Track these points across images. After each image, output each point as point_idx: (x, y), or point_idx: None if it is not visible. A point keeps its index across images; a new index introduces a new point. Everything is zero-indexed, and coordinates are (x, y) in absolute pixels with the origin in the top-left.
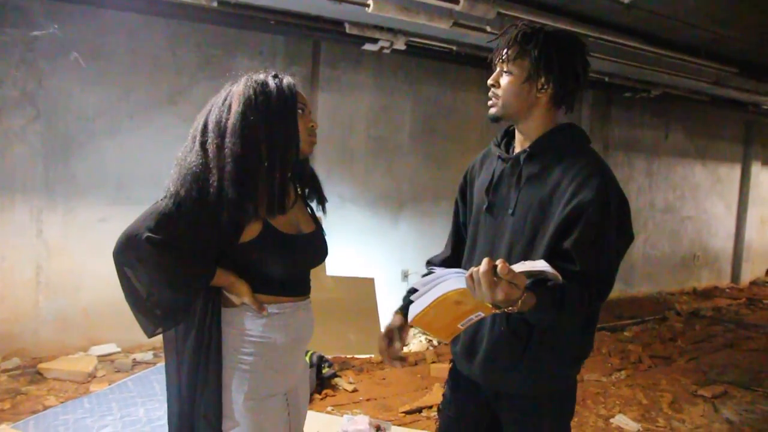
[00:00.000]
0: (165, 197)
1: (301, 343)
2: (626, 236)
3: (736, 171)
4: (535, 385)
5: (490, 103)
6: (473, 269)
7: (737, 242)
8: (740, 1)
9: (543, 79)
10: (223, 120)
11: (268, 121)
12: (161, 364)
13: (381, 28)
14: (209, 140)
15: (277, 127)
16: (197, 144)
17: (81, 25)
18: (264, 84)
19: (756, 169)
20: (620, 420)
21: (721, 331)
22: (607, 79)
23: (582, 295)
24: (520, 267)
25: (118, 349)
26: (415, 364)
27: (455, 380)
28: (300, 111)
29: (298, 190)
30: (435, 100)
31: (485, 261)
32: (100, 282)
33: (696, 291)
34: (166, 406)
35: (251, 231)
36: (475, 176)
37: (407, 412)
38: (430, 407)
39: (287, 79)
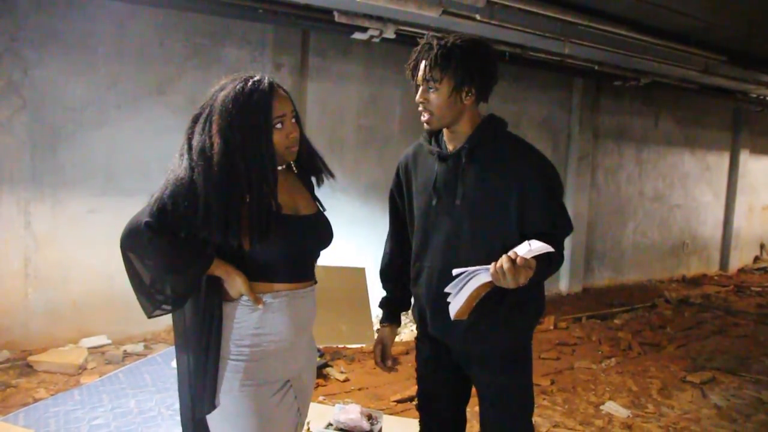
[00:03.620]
0: (153, 199)
1: (301, 331)
2: (563, 191)
3: (724, 159)
4: (509, 340)
5: (424, 119)
6: (495, 264)
7: (726, 230)
8: None
9: (467, 88)
10: (207, 150)
11: (245, 155)
12: (152, 356)
13: (370, 17)
14: (197, 169)
15: (254, 162)
16: (185, 162)
17: (67, 13)
18: (241, 106)
19: (744, 157)
20: (610, 407)
21: (709, 318)
22: (596, 67)
23: (560, 251)
24: (526, 253)
25: (109, 341)
26: (407, 353)
27: (425, 351)
28: (278, 126)
29: (294, 168)
30: None
31: (504, 258)
32: (90, 273)
33: (685, 278)
34: (158, 396)
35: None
36: (411, 173)
37: (399, 401)
38: None
39: (260, 93)
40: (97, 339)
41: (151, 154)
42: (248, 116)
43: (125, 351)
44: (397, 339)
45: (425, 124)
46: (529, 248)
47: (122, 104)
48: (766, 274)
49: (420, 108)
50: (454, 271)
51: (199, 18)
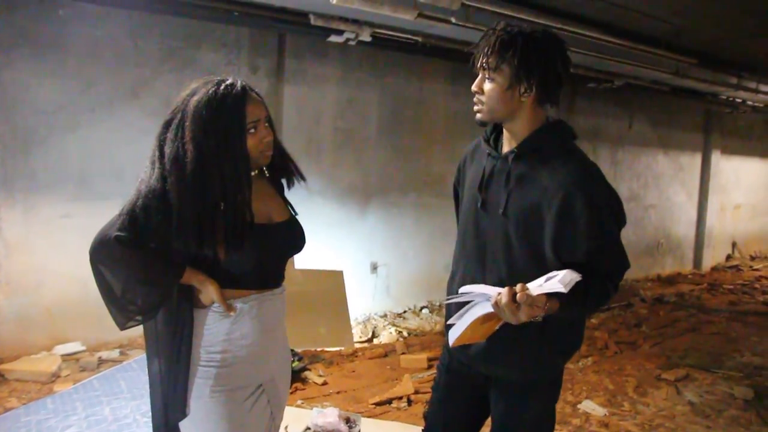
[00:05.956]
0: (124, 211)
1: (271, 334)
2: (621, 223)
3: (696, 159)
4: (529, 372)
5: (476, 108)
6: (497, 298)
7: (699, 229)
8: None
9: (525, 85)
10: (180, 159)
11: (219, 162)
12: (127, 362)
13: (346, 20)
14: (170, 178)
15: (228, 168)
16: (157, 171)
17: (38, 15)
18: (214, 111)
19: (716, 157)
20: (587, 405)
21: (683, 316)
22: (570, 69)
23: (604, 286)
24: (537, 289)
25: (83, 348)
26: (385, 355)
27: (447, 362)
28: (252, 130)
29: (266, 172)
30: (401, 91)
31: (506, 291)
32: (64, 279)
33: (660, 277)
34: (133, 403)
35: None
36: (467, 170)
37: (377, 404)
38: (400, 398)
39: (233, 98)
40: (72, 346)
41: (126, 157)
42: (222, 121)
43: (100, 357)
44: (375, 341)
45: (476, 114)
46: (542, 284)
47: (96, 107)
48: (738, 272)
49: (474, 98)
50: (461, 289)
51: (174, 20)
